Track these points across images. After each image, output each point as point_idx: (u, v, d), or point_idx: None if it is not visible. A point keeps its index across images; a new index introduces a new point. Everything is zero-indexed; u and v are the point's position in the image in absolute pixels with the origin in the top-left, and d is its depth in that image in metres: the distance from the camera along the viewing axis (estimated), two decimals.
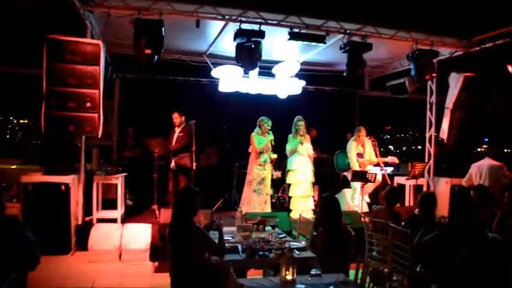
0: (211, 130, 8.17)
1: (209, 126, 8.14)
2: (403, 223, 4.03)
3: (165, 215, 5.32)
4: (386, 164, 7.22)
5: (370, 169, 6.80)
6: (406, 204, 7.28)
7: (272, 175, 6.77)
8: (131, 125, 7.88)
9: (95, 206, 5.93)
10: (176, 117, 6.72)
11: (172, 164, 6.65)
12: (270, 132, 6.55)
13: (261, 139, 6.50)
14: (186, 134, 6.60)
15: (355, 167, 6.82)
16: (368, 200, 7.04)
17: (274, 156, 6.71)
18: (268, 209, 6.50)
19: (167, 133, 6.87)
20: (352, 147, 6.94)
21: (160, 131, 7.00)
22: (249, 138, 6.60)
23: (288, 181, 6.88)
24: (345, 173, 7.25)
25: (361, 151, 6.98)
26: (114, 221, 5.86)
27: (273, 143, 6.54)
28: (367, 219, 4.59)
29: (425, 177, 7.49)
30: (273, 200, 7.11)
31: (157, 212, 6.37)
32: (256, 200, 6.40)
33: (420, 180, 7.17)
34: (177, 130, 6.75)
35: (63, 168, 5.50)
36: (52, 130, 5.06)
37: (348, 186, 7.27)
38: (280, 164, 7.58)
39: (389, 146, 11.56)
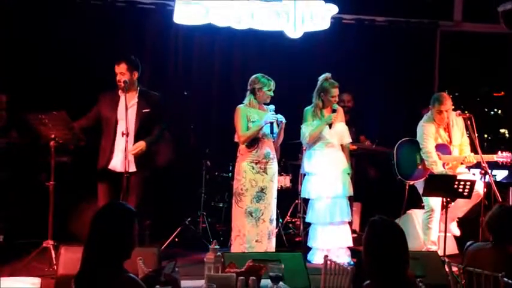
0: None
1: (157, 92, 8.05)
2: None
3: (68, 259, 5.24)
4: (495, 165, 7.21)
5: (462, 173, 6.82)
6: None
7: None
8: (2, 88, 7.82)
9: None
10: (123, 73, 6.49)
11: (116, 166, 6.49)
12: (271, 107, 6.49)
13: (253, 116, 6.47)
14: (153, 108, 6.52)
15: (435, 167, 6.81)
16: (457, 232, 7.19)
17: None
18: (273, 247, 6.65)
19: (74, 104, 6.88)
20: (429, 132, 6.99)
21: (61, 100, 7.02)
22: (232, 113, 6.58)
23: (303, 194, 7.05)
24: (413, 181, 7.27)
25: (446, 140, 7.08)
26: None
27: (280, 125, 6.53)
28: (455, 269, 4.59)
29: None
30: (276, 230, 7.11)
31: (53, 252, 6.36)
32: (251, 230, 6.46)
33: None
34: (124, 100, 6.48)
35: None
36: None
37: (418, 205, 7.32)
38: (290, 162, 7.54)
39: (502, 130, 11.57)
